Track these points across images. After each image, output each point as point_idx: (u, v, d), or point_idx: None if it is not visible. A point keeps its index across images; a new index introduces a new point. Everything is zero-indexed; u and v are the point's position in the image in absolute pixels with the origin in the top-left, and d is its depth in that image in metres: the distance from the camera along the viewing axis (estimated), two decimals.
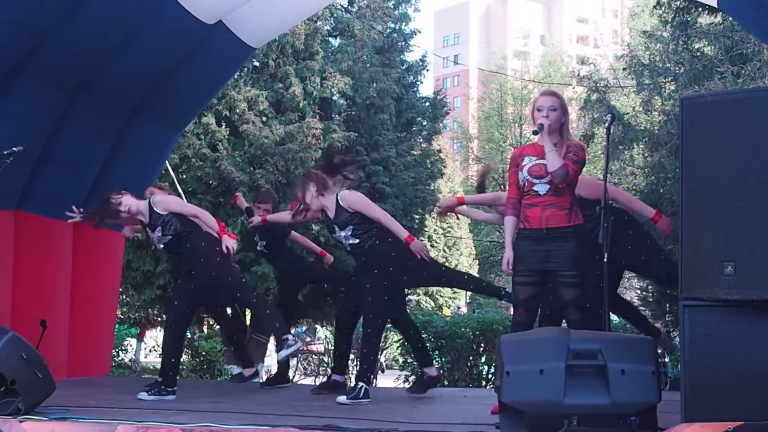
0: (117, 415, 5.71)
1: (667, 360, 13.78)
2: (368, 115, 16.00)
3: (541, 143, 6.28)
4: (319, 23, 15.97)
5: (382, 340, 17.81)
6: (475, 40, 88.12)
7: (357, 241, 7.49)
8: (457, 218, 9.02)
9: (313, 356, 19.12)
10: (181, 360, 18.70)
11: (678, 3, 15.39)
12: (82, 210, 8.13)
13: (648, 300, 17.14)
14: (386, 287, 7.61)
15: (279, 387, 8.93)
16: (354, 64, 15.93)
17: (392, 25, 17.75)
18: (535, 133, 6.33)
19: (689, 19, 15.47)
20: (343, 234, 7.52)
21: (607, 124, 6.59)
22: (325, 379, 9.18)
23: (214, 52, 9.19)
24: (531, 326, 6.29)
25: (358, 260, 7.84)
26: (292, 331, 9.40)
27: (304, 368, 18.98)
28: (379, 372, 15.59)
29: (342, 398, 7.25)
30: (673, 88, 15.58)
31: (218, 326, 9.55)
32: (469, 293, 38.69)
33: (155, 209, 7.70)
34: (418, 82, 18.27)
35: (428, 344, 10.69)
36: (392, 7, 17.93)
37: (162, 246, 7.87)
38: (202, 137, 14.63)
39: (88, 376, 9.52)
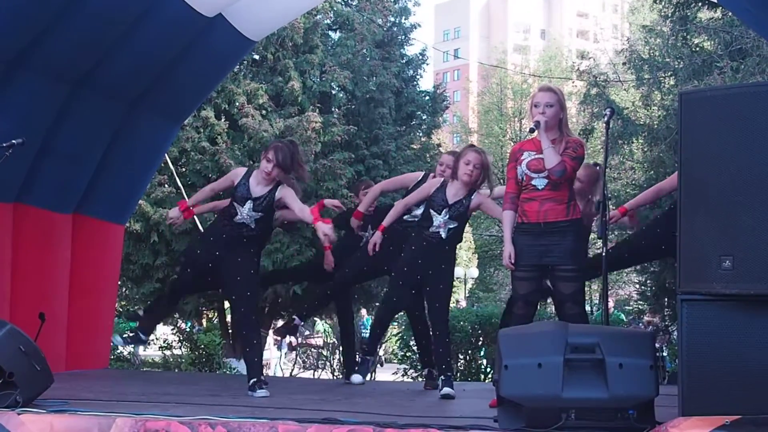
0: (115, 408, 5.71)
1: (665, 354, 13.83)
2: (368, 109, 15.99)
3: (539, 139, 6.29)
4: (318, 17, 15.95)
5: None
6: (475, 35, 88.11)
7: (444, 236, 7.38)
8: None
9: (312, 350, 19.16)
10: (181, 353, 18.78)
11: None
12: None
13: (646, 294, 17.19)
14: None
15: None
16: (354, 58, 15.91)
17: (392, 19, 17.71)
18: (531, 131, 6.35)
19: (689, 14, 15.51)
20: (442, 220, 7.36)
21: (606, 119, 6.61)
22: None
23: (213, 45, 9.18)
24: (531, 320, 6.31)
25: (433, 247, 7.43)
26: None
27: (303, 362, 19.04)
28: (378, 366, 15.62)
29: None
30: (672, 82, 15.62)
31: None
32: (468, 287, 38.80)
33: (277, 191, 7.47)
34: (417, 76, 18.24)
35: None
36: (392, 0, 17.90)
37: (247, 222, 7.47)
38: (201, 130, 14.63)
39: (86, 369, 9.52)
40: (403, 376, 13.42)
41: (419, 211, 7.60)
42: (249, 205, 7.43)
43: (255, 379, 7.39)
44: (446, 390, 7.27)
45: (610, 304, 17.68)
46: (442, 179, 7.57)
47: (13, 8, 7.59)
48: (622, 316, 17.24)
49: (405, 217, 7.92)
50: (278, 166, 7.37)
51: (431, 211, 7.42)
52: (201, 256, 7.65)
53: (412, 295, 7.88)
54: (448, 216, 7.37)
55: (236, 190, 7.52)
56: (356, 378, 7.31)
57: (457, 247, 7.74)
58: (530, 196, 6.28)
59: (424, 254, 7.40)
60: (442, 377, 7.47)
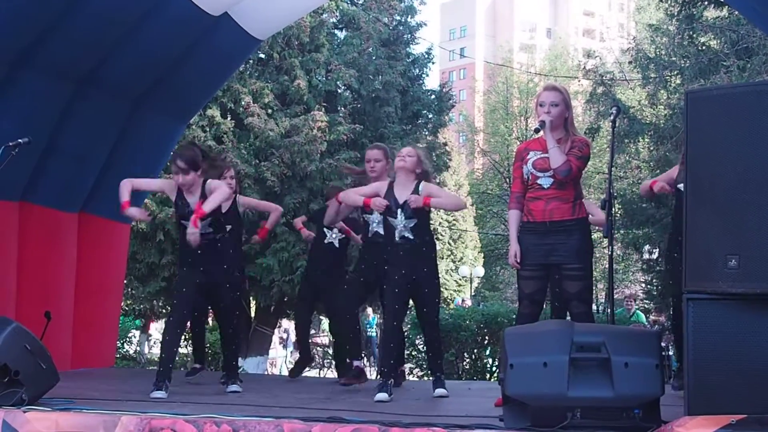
0: (121, 406, 5.71)
1: (671, 353, 13.80)
2: (374, 107, 15.99)
3: (545, 138, 6.27)
4: (324, 15, 15.95)
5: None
6: (481, 33, 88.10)
7: (411, 236, 7.18)
8: None
9: (318, 348, 19.17)
10: (186, 352, 18.78)
11: None
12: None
13: (652, 293, 17.17)
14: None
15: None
16: (359, 57, 15.91)
17: (398, 18, 17.70)
18: (536, 131, 6.32)
19: (695, 12, 15.49)
20: (401, 223, 7.17)
21: (612, 118, 6.58)
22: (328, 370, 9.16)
23: (219, 44, 9.19)
24: (536, 319, 6.29)
25: (406, 253, 7.22)
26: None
27: None
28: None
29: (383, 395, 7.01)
30: (678, 81, 15.60)
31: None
32: (473, 286, 38.80)
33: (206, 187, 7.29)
34: (423, 75, 18.23)
35: None
36: None
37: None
38: (207, 129, 14.63)
39: (92, 367, 9.53)
40: (408, 375, 13.39)
41: (401, 222, 7.41)
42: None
43: (232, 375, 7.62)
44: (438, 391, 7.25)
45: (633, 306, 17.62)
46: (388, 180, 7.42)
47: (14, 8, 7.60)
48: (642, 317, 17.15)
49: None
50: (186, 171, 7.17)
51: (389, 219, 7.26)
52: (190, 279, 7.41)
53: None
54: (404, 216, 7.17)
55: (177, 209, 7.40)
56: (381, 396, 7.13)
57: (437, 249, 7.63)
58: (536, 195, 6.26)
59: (406, 263, 7.20)
60: (433, 378, 7.48)
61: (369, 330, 21.00)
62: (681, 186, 7.00)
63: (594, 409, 4.80)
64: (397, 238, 7.20)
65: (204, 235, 7.25)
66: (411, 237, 7.18)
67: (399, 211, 7.18)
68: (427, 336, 7.54)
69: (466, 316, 13.31)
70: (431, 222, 7.55)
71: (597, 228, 7.31)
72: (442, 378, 7.44)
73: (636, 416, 4.77)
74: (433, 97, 18.22)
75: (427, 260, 7.29)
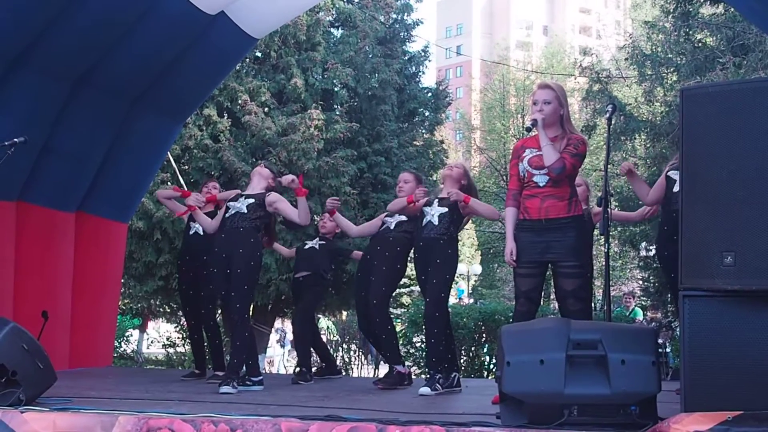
0: (118, 405, 5.71)
1: (668, 350, 13.81)
2: (370, 106, 15.98)
3: (540, 136, 6.28)
4: (321, 14, 15.96)
5: None
6: (477, 31, 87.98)
7: (436, 222, 7.55)
8: None
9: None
10: (184, 351, 18.76)
11: None
12: None
13: (649, 290, 17.17)
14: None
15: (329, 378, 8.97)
16: (356, 55, 15.91)
17: (394, 16, 17.69)
18: (527, 130, 6.35)
19: (691, 9, 15.50)
20: (432, 211, 7.58)
21: (608, 115, 6.58)
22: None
23: (216, 43, 9.19)
24: (533, 316, 6.29)
25: (430, 242, 7.56)
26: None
27: None
28: (381, 362, 15.63)
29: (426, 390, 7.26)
30: (674, 78, 15.60)
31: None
32: (470, 283, 38.78)
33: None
34: (420, 73, 18.23)
35: None
36: None
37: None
38: (204, 128, 14.65)
39: (89, 367, 9.54)
40: None
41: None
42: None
43: (229, 375, 7.43)
44: (421, 390, 7.28)
45: (632, 302, 17.63)
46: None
47: (14, 8, 7.60)
48: (640, 314, 17.16)
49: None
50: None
51: (424, 208, 7.68)
52: (216, 276, 7.76)
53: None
54: (437, 204, 7.59)
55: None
56: (425, 390, 7.29)
57: (459, 242, 7.74)
58: (532, 192, 6.26)
59: (422, 251, 7.58)
60: (425, 375, 7.49)
61: None
62: (672, 174, 7.03)
63: (591, 406, 4.80)
64: (423, 223, 7.60)
65: (238, 215, 7.72)
66: (436, 224, 7.53)
67: (435, 202, 7.63)
68: (425, 330, 7.59)
69: (464, 314, 13.30)
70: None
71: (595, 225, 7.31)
72: (436, 377, 7.42)
73: (633, 413, 4.77)
74: (429, 94, 18.22)
75: (441, 253, 7.53)
